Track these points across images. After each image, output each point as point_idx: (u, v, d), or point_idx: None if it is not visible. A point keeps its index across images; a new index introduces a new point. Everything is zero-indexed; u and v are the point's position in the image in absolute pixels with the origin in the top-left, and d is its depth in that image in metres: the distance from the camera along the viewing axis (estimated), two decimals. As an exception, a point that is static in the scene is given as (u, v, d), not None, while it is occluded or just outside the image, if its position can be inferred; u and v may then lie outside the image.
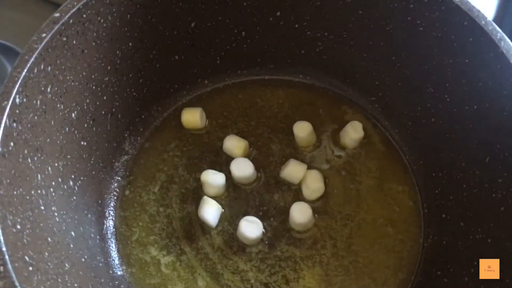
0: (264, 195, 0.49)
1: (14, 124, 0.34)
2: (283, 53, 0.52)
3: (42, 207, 0.37)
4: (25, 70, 0.35)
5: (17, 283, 0.30)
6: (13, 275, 0.31)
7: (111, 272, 0.45)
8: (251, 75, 0.54)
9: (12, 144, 0.34)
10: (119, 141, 0.49)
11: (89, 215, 0.45)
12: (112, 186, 0.49)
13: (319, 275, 0.46)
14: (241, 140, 0.50)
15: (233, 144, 0.49)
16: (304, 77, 0.54)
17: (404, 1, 0.42)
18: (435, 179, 0.48)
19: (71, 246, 0.41)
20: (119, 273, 0.46)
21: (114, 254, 0.46)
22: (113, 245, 0.47)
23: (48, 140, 0.39)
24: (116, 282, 0.45)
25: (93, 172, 0.46)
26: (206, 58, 0.51)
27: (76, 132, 0.42)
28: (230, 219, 0.47)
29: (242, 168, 0.48)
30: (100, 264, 0.44)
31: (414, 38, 0.44)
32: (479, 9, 0.39)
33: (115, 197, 0.49)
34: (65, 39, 0.37)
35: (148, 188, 0.49)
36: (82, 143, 0.43)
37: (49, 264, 0.36)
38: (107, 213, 0.48)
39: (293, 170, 0.48)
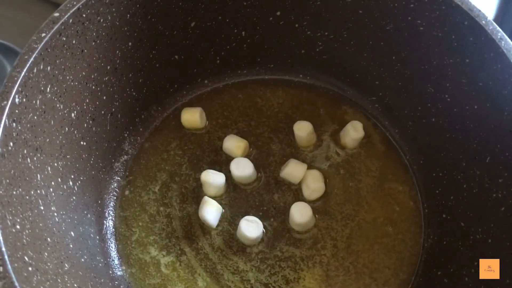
0: (264, 195, 0.48)
1: (14, 124, 0.34)
2: (283, 53, 0.52)
3: (42, 207, 0.37)
4: (25, 70, 0.34)
5: (16, 283, 0.30)
6: (13, 275, 0.31)
7: (110, 272, 0.45)
8: (251, 75, 0.54)
9: (11, 144, 0.34)
10: (119, 141, 0.49)
11: (89, 215, 0.45)
12: (112, 186, 0.49)
13: (319, 275, 0.45)
14: (241, 140, 0.49)
15: (233, 144, 0.49)
16: (304, 77, 0.54)
17: (404, 1, 0.42)
18: (435, 179, 0.48)
19: (71, 246, 0.40)
20: (118, 273, 0.46)
21: (113, 254, 0.46)
22: (112, 245, 0.47)
23: (48, 140, 0.39)
24: (116, 283, 0.44)
25: (93, 172, 0.46)
26: (206, 58, 0.51)
27: (75, 132, 0.42)
28: (230, 219, 0.47)
29: (242, 168, 0.48)
30: (100, 265, 0.44)
31: (414, 38, 0.44)
32: (479, 9, 0.39)
33: (115, 197, 0.49)
34: (64, 39, 0.37)
35: (148, 188, 0.49)
36: (81, 143, 0.43)
37: (49, 264, 0.36)
38: (106, 213, 0.48)
39: (293, 170, 0.48)
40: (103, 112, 0.45)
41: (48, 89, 0.37)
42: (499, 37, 0.38)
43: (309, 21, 0.48)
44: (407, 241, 0.47)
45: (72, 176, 0.42)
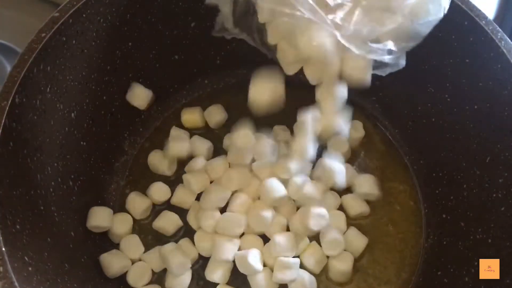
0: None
1: (14, 124, 0.34)
2: (283, 53, 0.52)
3: (42, 207, 0.37)
4: (25, 70, 0.35)
5: (16, 283, 0.30)
6: (13, 275, 0.31)
7: (111, 272, 0.45)
8: (251, 74, 0.54)
9: (11, 144, 0.34)
10: (119, 141, 0.49)
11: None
12: (112, 186, 0.49)
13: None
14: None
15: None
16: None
17: (404, 1, 0.42)
18: (435, 179, 0.48)
19: (71, 246, 0.41)
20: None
21: (114, 254, 0.46)
22: (112, 245, 0.46)
23: (48, 140, 0.39)
24: (116, 283, 0.44)
25: (93, 172, 0.46)
26: (206, 58, 0.51)
27: (75, 132, 0.42)
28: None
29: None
30: (100, 264, 0.44)
31: (414, 38, 0.44)
32: (479, 9, 0.39)
33: (115, 197, 0.48)
34: (64, 39, 0.37)
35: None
36: (81, 143, 0.43)
37: (49, 264, 0.36)
38: (107, 213, 0.47)
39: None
40: (103, 112, 0.45)
41: (48, 89, 0.37)
42: (499, 37, 0.38)
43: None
44: (408, 240, 0.47)
45: (72, 176, 0.42)
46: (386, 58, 0.33)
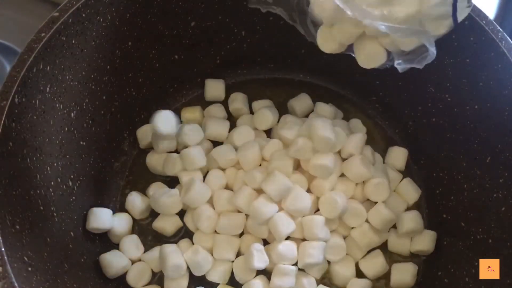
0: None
1: (13, 124, 0.34)
2: (283, 53, 0.52)
3: (41, 207, 0.37)
4: (24, 70, 0.34)
5: (16, 284, 0.30)
6: (12, 275, 0.31)
7: (110, 272, 0.45)
8: (251, 74, 0.54)
9: (11, 144, 0.34)
10: (119, 141, 0.49)
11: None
12: (112, 186, 0.48)
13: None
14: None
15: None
16: (304, 76, 0.54)
17: (404, 1, 0.42)
18: (435, 179, 0.48)
19: (71, 246, 0.40)
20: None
21: (113, 254, 0.46)
22: (112, 245, 0.46)
23: (47, 140, 0.39)
24: (115, 283, 0.44)
25: (93, 172, 0.46)
26: (206, 58, 0.51)
27: (75, 132, 0.42)
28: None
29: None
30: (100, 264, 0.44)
31: (414, 38, 0.44)
32: (480, 9, 0.39)
33: (115, 197, 0.48)
34: (64, 38, 0.37)
35: (148, 188, 0.49)
36: (81, 143, 0.43)
37: (49, 264, 0.36)
38: (106, 213, 0.47)
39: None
40: (102, 112, 0.45)
41: (48, 89, 0.37)
42: (499, 36, 0.38)
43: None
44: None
45: (72, 176, 0.42)
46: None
